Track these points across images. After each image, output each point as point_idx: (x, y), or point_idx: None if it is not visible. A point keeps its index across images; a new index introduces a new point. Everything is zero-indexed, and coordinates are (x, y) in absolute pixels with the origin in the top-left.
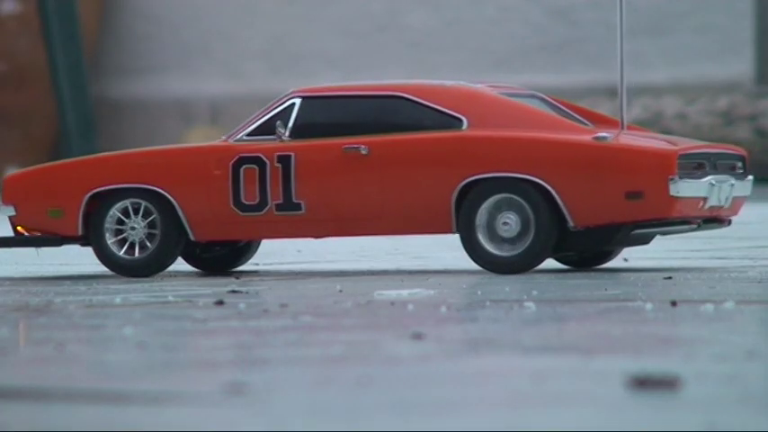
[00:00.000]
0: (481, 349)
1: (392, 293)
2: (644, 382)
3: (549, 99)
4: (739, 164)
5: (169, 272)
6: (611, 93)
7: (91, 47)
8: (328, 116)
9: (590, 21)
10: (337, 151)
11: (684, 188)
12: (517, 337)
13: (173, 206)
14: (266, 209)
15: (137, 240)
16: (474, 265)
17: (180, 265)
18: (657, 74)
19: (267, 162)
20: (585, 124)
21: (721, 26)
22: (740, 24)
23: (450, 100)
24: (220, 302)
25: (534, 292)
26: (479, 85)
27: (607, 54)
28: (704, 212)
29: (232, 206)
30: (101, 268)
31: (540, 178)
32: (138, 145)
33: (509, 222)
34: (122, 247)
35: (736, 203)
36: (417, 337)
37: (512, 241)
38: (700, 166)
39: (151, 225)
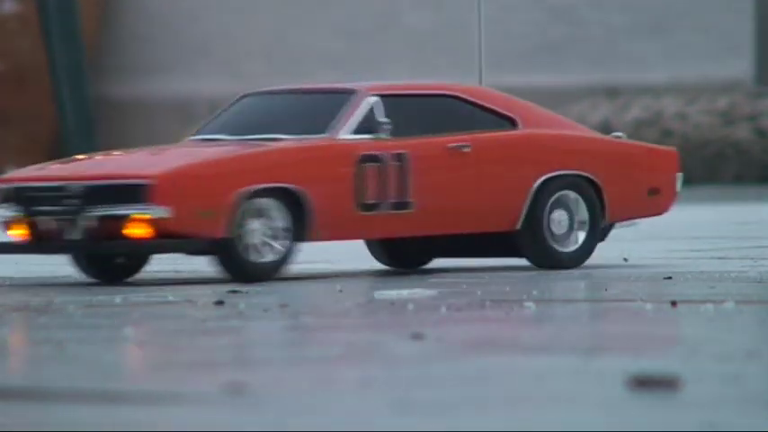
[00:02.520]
0: (481, 349)
1: (392, 293)
2: (644, 382)
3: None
4: None
5: (169, 272)
6: (611, 93)
7: (91, 47)
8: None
9: (590, 21)
10: (442, 149)
11: None
12: (517, 337)
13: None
14: (383, 207)
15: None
16: (473, 265)
17: (180, 265)
18: (657, 74)
19: (386, 160)
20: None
21: (721, 26)
22: (740, 24)
23: (501, 101)
24: (220, 302)
25: (534, 292)
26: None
27: (607, 54)
28: None
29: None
30: None
31: (592, 174)
32: (139, 145)
33: (562, 220)
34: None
35: None
36: (417, 337)
37: (561, 238)
38: None
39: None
